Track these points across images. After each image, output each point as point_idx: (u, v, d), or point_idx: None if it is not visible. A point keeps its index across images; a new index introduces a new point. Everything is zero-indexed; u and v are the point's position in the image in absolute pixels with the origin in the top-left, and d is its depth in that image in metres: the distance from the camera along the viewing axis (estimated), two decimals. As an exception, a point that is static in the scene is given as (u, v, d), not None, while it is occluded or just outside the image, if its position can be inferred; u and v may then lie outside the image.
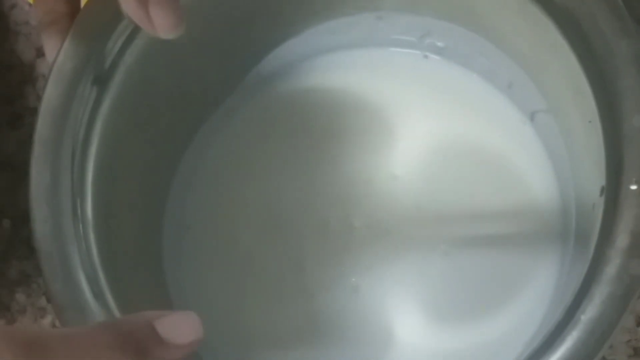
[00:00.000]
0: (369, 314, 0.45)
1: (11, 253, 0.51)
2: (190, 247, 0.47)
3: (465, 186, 0.46)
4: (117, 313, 0.37)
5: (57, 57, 0.39)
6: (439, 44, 0.47)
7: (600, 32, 0.35)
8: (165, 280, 0.46)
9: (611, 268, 0.33)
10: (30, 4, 0.53)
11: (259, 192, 0.47)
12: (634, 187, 0.33)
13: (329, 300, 0.45)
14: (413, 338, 0.44)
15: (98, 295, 0.37)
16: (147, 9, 0.33)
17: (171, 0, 0.33)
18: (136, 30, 0.39)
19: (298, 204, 0.47)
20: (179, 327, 0.31)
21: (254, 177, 0.48)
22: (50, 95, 0.39)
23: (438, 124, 0.47)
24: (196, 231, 0.47)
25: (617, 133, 0.34)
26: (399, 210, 0.46)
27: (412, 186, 0.46)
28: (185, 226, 0.47)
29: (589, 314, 0.32)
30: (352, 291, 0.45)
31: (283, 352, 0.45)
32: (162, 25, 0.33)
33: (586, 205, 0.38)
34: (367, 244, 0.46)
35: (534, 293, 0.43)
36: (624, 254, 0.33)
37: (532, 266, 0.44)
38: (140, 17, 0.33)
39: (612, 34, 0.35)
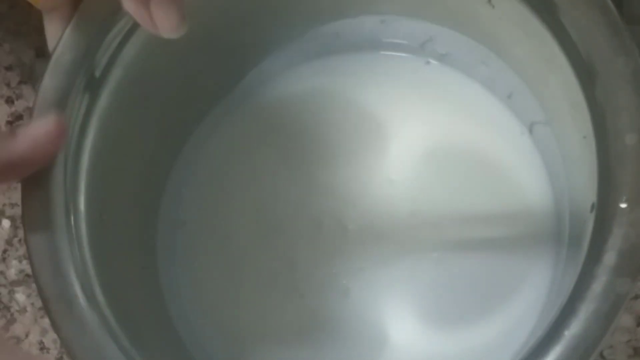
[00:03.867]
0: (359, 317, 0.45)
1: (11, 253, 0.51)
2: (184, 243, 0.47)
3: (461, 193, 0.46)
4: (105, 307, 0.37)
5: (55, 48, 0.39)
6: (441, 50, 0.47)
7: (598, 48, 0.35)
8: (158, 276, 0.46)
9: (597, 285, 0.32)
10: (30, 4, 0.53)
11: (254, 192, 0.48)
12: (623, 205, 0.33)
13: (320, 302, 0.45)
14: (403, 343, 0.44)
15: (87, 288, 0.37)
16: (149, 8, 0.32)
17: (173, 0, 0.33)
18: (136, 25, 0.39)
19: (292, 204, 0.47)
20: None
21: (250, 177, 0.48)
22: (46, 87, 0.38)
23: (436, 130, 0.47)
24: (191, 228, 0.48)
25: (610, 150, 0.34)
26: (393, 214, 0.46)
27: (407, 191, 0.46)
28: (180, 223, 0.48)
29: (573, 329, 0.32)
30: (342, 293, 0.45)
31: (273, 350, 0.45)
32: (164, 26, 0.33)
33: (580, 216, 0.38)
34: (359, 247, 0.46)
35: (527, 299, 0.43)
36: (610, 272, 0.32)
37: (525, 272, 0.44)
38: (142, 17, 0.33)
39: (610, 50, 0.35)
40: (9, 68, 0.54)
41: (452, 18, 0.45)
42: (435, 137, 0.47)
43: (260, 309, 0.46)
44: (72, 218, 0.38)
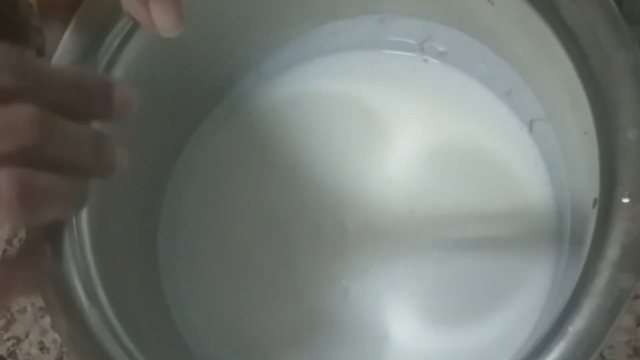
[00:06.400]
0: (360, 318, 0.45)
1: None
2: (185, 245, 0.47)
3: (461, 191, 0.46)
4: (107, 307, 0.37)
5: (56, 50, 0.39)
6: (440, 48, 0.47)
7: (598, 43, 0.35)
8: (159, 277, 0.46)
9: (601, 280, 0.32)
10: (30, 4, 0.53)
11: (254, 193, 0.48)
12: (626, 200, 0.33)
13: (319, 302, 0.45)
14: (404, 342, 0.44)
15: (89, 289, 0.36)
16: (148, 7, 0.33)
17: None
18: (135, 26, 0.39)
19: (292, 205, 0.47)
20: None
21: (250, 178, 0.48)
22: None
23: (436, 128, 0.47)
24: (191, 230, 0.48)
25: (612, 145, 0.34)
26: (393, 214, 0.46)
27: (407, 190, 0.46)
28: (181, 224, 0.48)
29: (577, 325, 0.32)
30: (342, 294, 0.45)
31: (274, 351, 0.45)
32: (163, 24, 0.33)
33: (581, 213, 0.38)
34: (359, 247, 0.46)
35: (527, 298, 0.43)
36: (614, 267, 0.32)
37: (526, 271, 0.44)
38: (142, 15, 0.33)
39: (609, 45, 0.35)
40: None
41: (451, 16, 0.45)
42: (435, 135, 0.47)
43: (261, 311, 0.46)
44: (73, 219, 0.37)
